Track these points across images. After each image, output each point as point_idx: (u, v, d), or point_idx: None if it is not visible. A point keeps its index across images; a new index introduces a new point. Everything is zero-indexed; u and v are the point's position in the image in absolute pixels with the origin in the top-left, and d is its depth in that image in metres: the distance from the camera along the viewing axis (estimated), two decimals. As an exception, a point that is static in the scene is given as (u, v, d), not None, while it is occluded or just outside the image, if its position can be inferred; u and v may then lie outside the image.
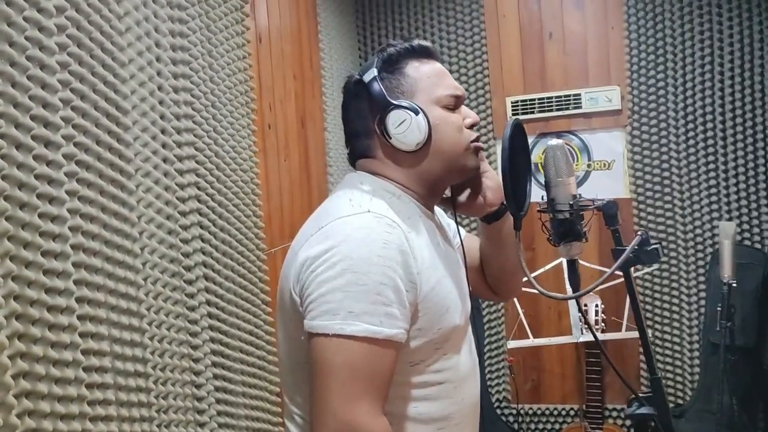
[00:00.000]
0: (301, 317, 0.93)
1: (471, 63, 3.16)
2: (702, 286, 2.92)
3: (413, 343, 0.96)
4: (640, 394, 1.09)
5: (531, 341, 2.56)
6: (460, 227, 1.20)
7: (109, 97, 1.22)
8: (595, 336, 1.13)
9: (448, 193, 1.16)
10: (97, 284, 1.14)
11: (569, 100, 3.03)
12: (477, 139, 1.08)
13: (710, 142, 2.86)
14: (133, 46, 1.33)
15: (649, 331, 2.92)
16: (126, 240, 1.24)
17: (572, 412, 3.18)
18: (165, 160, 1.43)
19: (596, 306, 2.73)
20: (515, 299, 2.66)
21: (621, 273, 1.04)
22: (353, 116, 1.09)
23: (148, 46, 1.39)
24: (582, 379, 2.84)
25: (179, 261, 1.45)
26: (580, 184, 3.12)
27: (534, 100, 3.08)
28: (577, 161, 3.07)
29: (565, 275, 2.59)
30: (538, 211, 1.10)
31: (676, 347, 3.00)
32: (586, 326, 2.53)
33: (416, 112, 1.01)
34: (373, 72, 1.04)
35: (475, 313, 2.50)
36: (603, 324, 2.73)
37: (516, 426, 3.21)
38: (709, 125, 2.85)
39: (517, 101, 3.11)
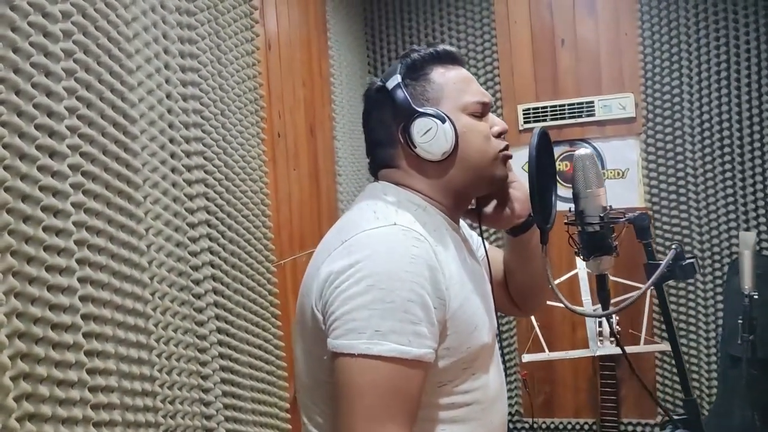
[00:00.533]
0: (324, 335, 0.89)
1: (482, 70, 3.12)
2: (719, 298, 2.85)
3: (441, 363, 0.91)
4: (675, 417, 1.03)
5: (546, 355, 2.49)
6: (483, 239, 1.15)
7: (117, 105, 1.17)
8: (625, 354, 1.08)
9: (473, 204, 1.11)
10: (103, 300, 1.09)
11: (582, 107, 2.98)
12: (506, 148, 1.03)
13: (727, 150, 2.80)
14: (141, 52, 1.29)
15: (663, 344, 2.86)
16: (133, 254, 1.20)
17: (586, 427, 3.11)
18: (174, 170, 1.38)
19: (610, 318, 2.67)
20: (529, 311, 2.60)
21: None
22: (376, 124, 1.04)
23: (157, 52, 1.34)
24: (595, 392, 2.78)
25: (188, 274, 1.41)
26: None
27: (546, 107, 3.04)
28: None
29: (581, 287, 2.54)
30: (566, 223, 1.05)
31: (693, 359, 2.94)
32: (612, 341, 2.46)
33: (443, 120, 0.96)
34: (397, 78, 1.00)
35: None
36: (618, 336, 2.67)
37: (529, 440, 3.15)
38: (726, 133, 2.80)
39: (528, 109, 3.06)
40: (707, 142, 2.83)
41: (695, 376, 2.93)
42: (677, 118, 2.87)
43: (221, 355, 1.53)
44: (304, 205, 2.23)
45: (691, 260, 0.98)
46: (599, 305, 1.04)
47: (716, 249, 2.85)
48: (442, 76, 1.01)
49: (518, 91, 3.10)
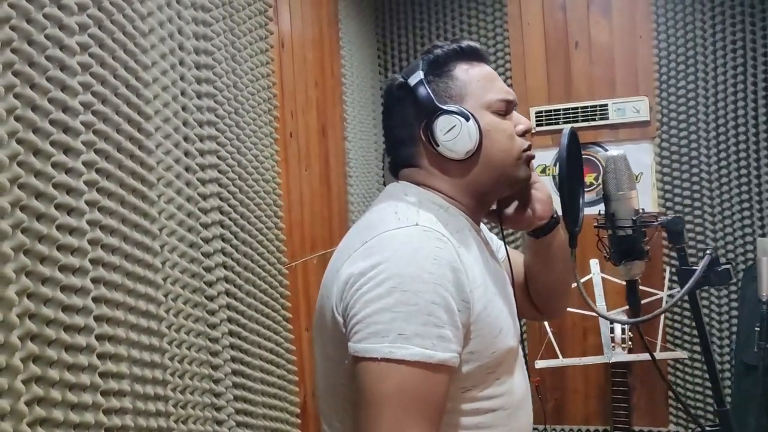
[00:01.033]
0: (344, 338, 0.85)
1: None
2: (734, 304, 2.81)
3: (465, 368, 0.88)
4: (708, 428, 0.99)
5: (560, 361, 2.45)
6: (504, 241, 1.12)
7: (132, 101, 1.14)
8: (655, 362, 1.04)
9: (494, 205, 1.08)
10: (116, 301, 1.06)
11: (596, 110, 2.94)
12: (529, 148, 1.00)
13: (742, 154, 2.76)
14: (157, 48, 1.26)
15: (678, 351, 2.82)
16: (147, 254, 1.16)
17: (597, 434, 3.06)
18: (188, 169, 1.35)
19: (623, 324, 2.63)
20: (541, 316, 2.56)
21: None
22: (397, 122, 1.01)
23: (172, 48, 1.32)
24: (606, 399, 2.73)
25: (201, 276, 1.37)
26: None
27: (559, 110, 3.00)
28: (603, 173, 2.98)
29: (595, 292, 2.50)
30: (595, 226, 1.01)
31: (705, 367, 2.89)
32: (624, 348, 2.41)
33: (467, 118, 0.93)
34: (419, 75, 0.96)
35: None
36: (629, 343, 2.63)
37: (539, 447, 3.10)
38: (741, 137, 2.75)
39: (541, 112, 3.02)
40: (722, 146, 2.79)
41: (708, 384, 2.88)
42: (692, 122, 2.83)
43: (233, 359, 1.49)
44: (315, 206, 2.20)
45: (727, 266, 0.94)
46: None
47: (731, 255, 2.80)
48: (465, 72, 0.98)
49: (530, 93, 3.06)
